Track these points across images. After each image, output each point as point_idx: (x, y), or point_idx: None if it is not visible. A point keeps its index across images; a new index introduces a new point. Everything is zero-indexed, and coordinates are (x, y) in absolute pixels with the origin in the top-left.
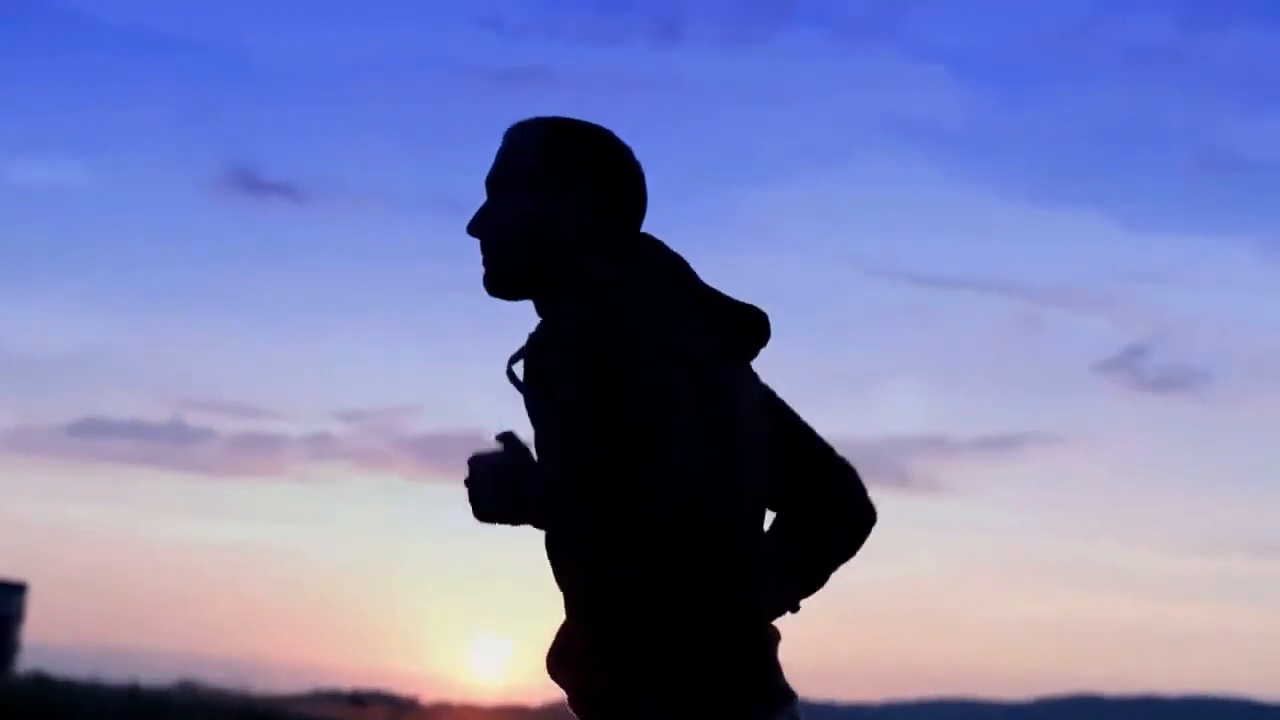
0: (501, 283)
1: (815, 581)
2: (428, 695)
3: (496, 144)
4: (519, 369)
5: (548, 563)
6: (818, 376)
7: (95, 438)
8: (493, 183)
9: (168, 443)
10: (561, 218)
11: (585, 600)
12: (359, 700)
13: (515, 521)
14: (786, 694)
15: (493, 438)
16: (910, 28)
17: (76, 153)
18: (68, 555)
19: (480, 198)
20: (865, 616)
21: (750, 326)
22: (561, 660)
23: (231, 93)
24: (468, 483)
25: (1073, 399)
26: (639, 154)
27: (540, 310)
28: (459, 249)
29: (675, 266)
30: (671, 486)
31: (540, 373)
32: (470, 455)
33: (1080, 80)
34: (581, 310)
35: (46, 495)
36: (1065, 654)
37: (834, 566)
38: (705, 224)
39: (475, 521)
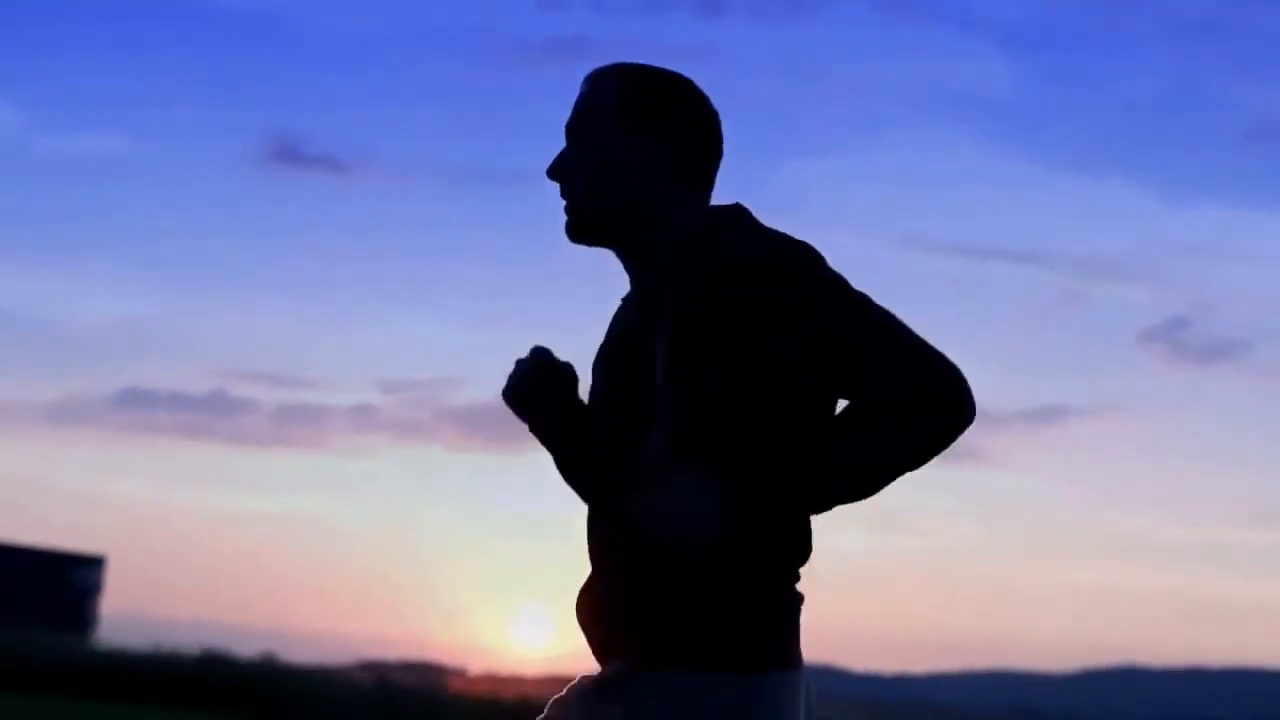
0: (584, 230)
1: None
2: (474, 666)
3: (538, 117)
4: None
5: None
6: None
7: (139, 409)
8: (572, 130)
9: (210, 413)
10: (642, 165)
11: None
12: (408, 673)
13: (550, 423)
14: (795, 660)
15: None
16: (954, 3)
17: (120, 124)
18: (114, 527)
19: (524, 170)
20: (909, 588)
21: None
22: (598, 609)
23: (275, 65)
24: (521, 365)
25: (1115, 370)
26: None
27: (628, 258)
28: (501, 220)
29: (759, 224)
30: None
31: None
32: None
33: (1124, 52)
34: (787, 242)
35: (91, 467)
36: (1109, 625)
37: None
38: (745, 194)
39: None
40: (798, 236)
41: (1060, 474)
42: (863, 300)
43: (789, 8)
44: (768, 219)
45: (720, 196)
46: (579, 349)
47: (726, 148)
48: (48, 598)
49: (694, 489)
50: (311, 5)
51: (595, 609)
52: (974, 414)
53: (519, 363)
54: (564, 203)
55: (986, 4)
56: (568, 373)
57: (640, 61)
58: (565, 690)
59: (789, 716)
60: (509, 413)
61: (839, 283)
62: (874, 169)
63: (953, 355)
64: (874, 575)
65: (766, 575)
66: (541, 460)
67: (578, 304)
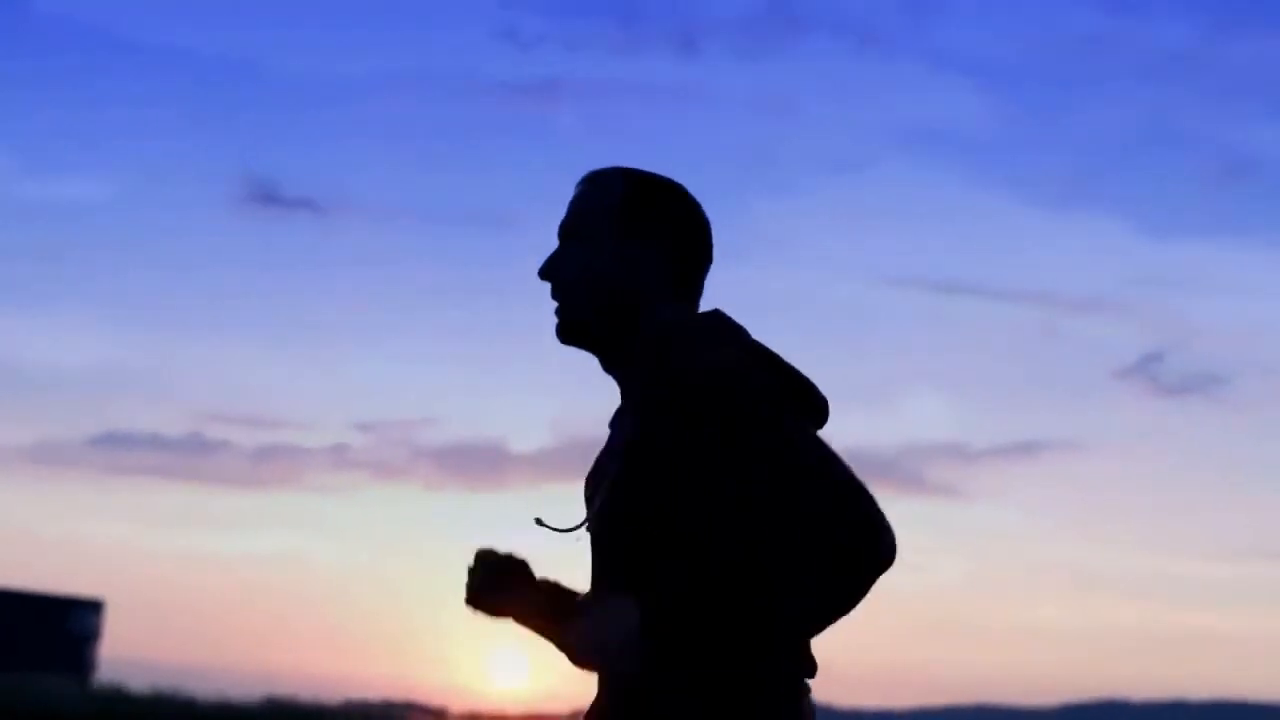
0: (575, 332)
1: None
2: (456, 705)
3: (514, 159)
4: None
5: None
6: (837, 385)
7: (116, 451)
8: (567, 231)
9: (188, 455)
10: (638, 272)
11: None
12: (391, 713)
13: (520, 615)
14: None
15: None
16: (929, 37)
17: (96, 170)
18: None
19: (500, 212)
20: (890, 623)
21: (817, 402)
22: None
23: (250, 108)
24: (470, 571)
25: (1092, 405)
26: (656, 164)
27: (610, 360)
28: (476, 262)
29: (743, 335)
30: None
31: (709, 425)
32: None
33: (1100, 87)
34: (740, 359)
35: (67, 509)
36: (1090, 659)
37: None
38: (724, 234)
39: (474, 549)
40: (761, 347)
41: (1038, 509)
42: (793, 443)
43: (765, 48)
44: (748, 260)
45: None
46: (553, 391)
47: (703, 188)
48: (46, 642)
49: (614, 618)
50: (288, 49)
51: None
52: (892, 559)
53: (469, 571)
54: (554, 304)
55: (961, 42)
56: (516, 567)
57: (641, 170)
58: None
59: None
60: (486, 451)
61: (775, 420)
62: (849, 207)
63: (929, 390)
64: (856, 611)
65: (779, 697)
66: (519, 500)
67: (553, 345)
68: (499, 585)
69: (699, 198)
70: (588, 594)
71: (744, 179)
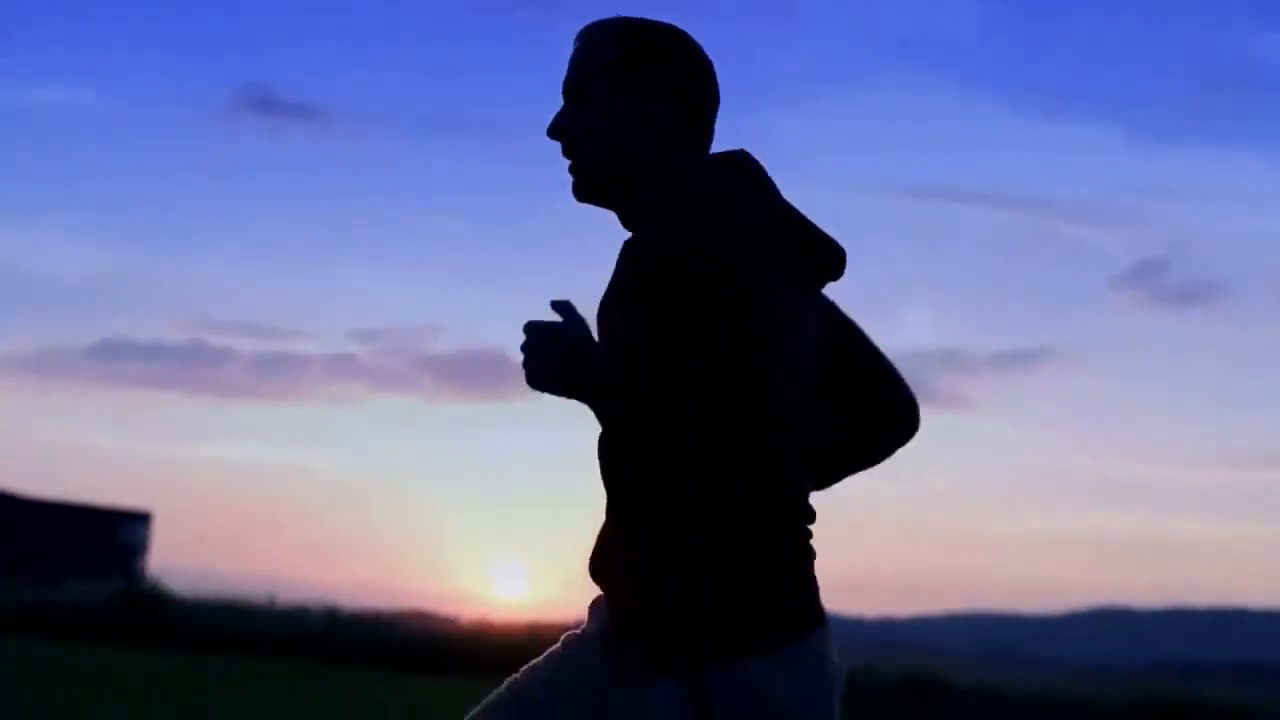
0: (590, 188)
1: (850, 468)
2: (465, 614)
3: (513, 66)
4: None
5: (597, 456)
6: (835, 294)
7: (115, 360)
8: (570, 88)
9: (188, 363)
10: (643, 124)
11: (641, 479)
12: (399, 622)
13: (574, 393)
14: (823, 615)
15: (549, 305)
16: None
17: (89, 75)
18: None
19: (498, 118)
20: (891, 532)
21: (824, 257)
22: (606, 561)
23: (245, 14)
24: (525, 348)
25: (1090, 314)
26: None
27: (628, 216)
28: (477, 170)
29: (756, 180)
30: (762, 387)
31: (651, 266)
32: (526, 322)
33: None
34: (692, 205)
35: (65, 417)
36: (1093, 568)
37: (872, 459)
38: (721, 145)
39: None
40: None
41: (1038, 417)
42: (678, 276)
43: None
44: None
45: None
46: (559, 291)
47: None
48: (95, 554)
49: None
50: None
51: (622, 584)
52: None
53: (523, 347)
54: (568, 163)
55: None
56: (573, 336)
57: (625, 15)
58: (586, 632)
59: (833, 671)
60: (489, 361)
61: (748, 283)
62: (847, 117)
63: (926, 300)
64: (855, 520)
65: (787, 541)
66: (521, 410)
67: (556, 252)
68: (553, 366)
69: None
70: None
71: (737, 89)
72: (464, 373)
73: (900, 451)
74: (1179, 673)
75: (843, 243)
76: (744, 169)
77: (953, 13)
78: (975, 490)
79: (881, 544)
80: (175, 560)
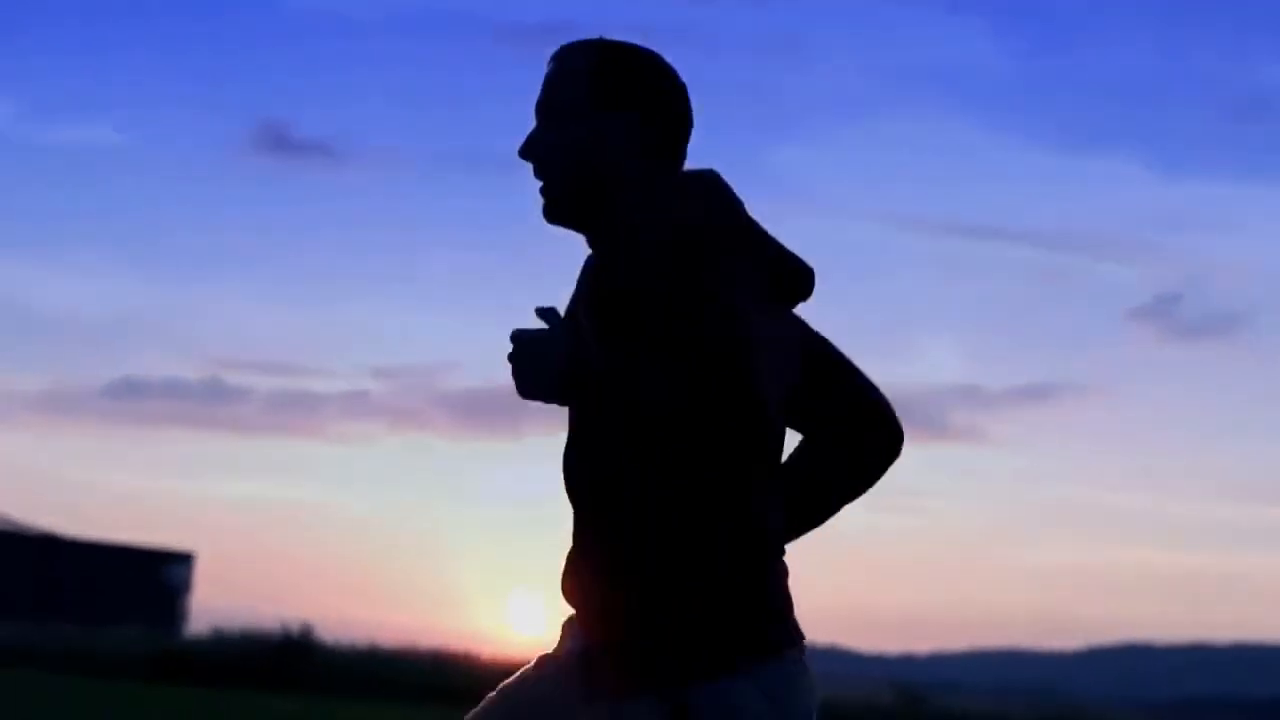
0: (559, 211)
1: (833, 505)
2: (484, 653)
3: (528, 101)
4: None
5: (567, 469)
6: (853, 329)
7: (131, 399)
8: (542, 108)
9: (204, 402)
10: (613, 145)
11: (619, 491)
12: (420, 660)
13: (562, 399)
14: (800, 634)
15: (534, 312)
16: None
17: (108, 114)
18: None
19: (515, 155)
20: (912, 569)
21: (794, 277)
22: (578, 580)
23: (263, 52)
24: (512, 358)
25: (1108, 347)
26: None
27: (596, 239)
28: (493, 206)
29: (725, 199)
30: (736, 398)
31: (628, 270)
32: (513, 331)
33: (1113, 27)
34: (662, 221)
35: (80, 456)
36: (1112, 602)
37: (857, 488)
38: (735, 180)
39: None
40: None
41: (1056, 451)
42: (657, 276)
43: None
44: (760, 205)
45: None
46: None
47: (714, 133)
48: (138, 595)
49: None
50: None
51: (594, 601)
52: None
53: (510, 357)
54: (539, 184)
55: None
56: (562, 344)
57: (612, 39)
58: (559, 652)
59: (811, 689)
60: (506, 398)
61: (714, 291)
62: (867, 151)
63: (945, 333)
64: (876, 556)
65: (761, 558)
66: (537, 447)
67: (569, 288)
68: (538, 375)
69: (709, 140)
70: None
71: (756, 123)
72: (481, 409)
73: (923, 485)
74: (1201, 708)
75: (860, 276)
76: (713, 186)
77: (971, 46)
78: (993, 524)
79: (903, 581)
80: (215, 600)
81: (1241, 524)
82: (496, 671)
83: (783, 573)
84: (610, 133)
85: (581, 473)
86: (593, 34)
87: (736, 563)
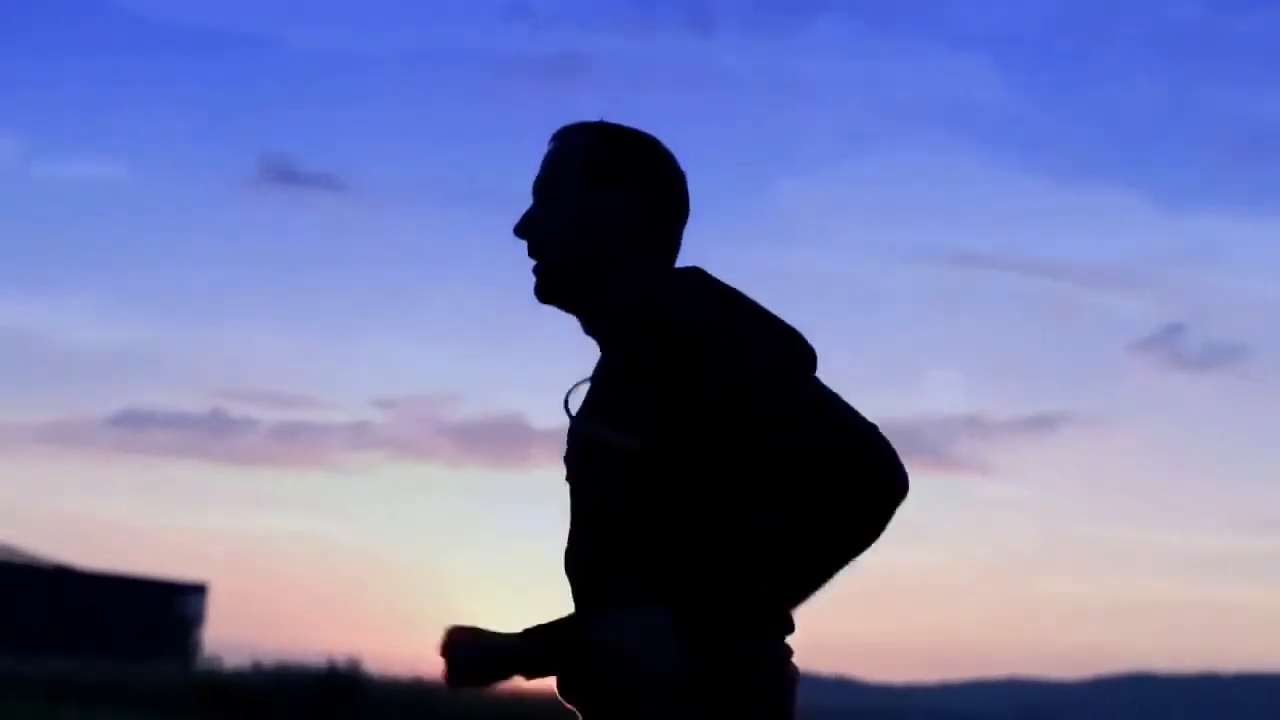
0: (553, 288)
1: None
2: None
3: (531, 135)
4: (578, 394)
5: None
6: (858, 359)
7: (136, 430)
8: (540, 188)
9: (209, 433)
10: (608, 226)
11: (606, 600)
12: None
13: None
14: None
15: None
16: (944, 12)
17: (113, 148)
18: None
19: (517, 188)
20: (918, 599)
21: (807, 349)
22: (577, 680)
23: (267, 87)
24: (445, 656)
25: (1112, 378)
26: (673, 145)
27: (592, 320)
28: (496, 239)
29: (721, 283)
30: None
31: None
32: (451, 629)
33: (1116, 60)
34: (694, 284)
35: (86, 489)
36: (1118, 633)
37: (866, 528)
38: (742, 214)
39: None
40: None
41: (1060, 482)
42: (784, 370)
43: (782, 27)
44: (767, 239)
45: (718, 219)
46: (576, 366)
47: (721, 168)
48: (153, 626)
49: (645, 629)
50: (303, 27)
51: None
52: (906, 486)
53: (441, 652)
54: (532, 262)
55: (976, 17)
56: (492, 648)
57: (613, 122)
58: None
59: None
60: (508, 428)
61: (768, 354)
62: (871, 185)
63: (948, 366)
64: (883, 587)
65: (766, 656)
66: (542, 477)
67: (575, 322)
68: (478, 668)
69: (718, 179)
70: (573, 615)
71: (761, 159)
72: (484, 440)
73: (929, 518)
74: None
75: (865, 309)
76: (706, 275)
77: (974, 78)
78: (999, 555)
79: (910, 612)
80: (227, 632)
81: (1249, 553)
82: (498, 702)
83: (787, 671)
84: (606, 212)
85: (578, 569)
86: (596, 68)
87: (738, 668)
